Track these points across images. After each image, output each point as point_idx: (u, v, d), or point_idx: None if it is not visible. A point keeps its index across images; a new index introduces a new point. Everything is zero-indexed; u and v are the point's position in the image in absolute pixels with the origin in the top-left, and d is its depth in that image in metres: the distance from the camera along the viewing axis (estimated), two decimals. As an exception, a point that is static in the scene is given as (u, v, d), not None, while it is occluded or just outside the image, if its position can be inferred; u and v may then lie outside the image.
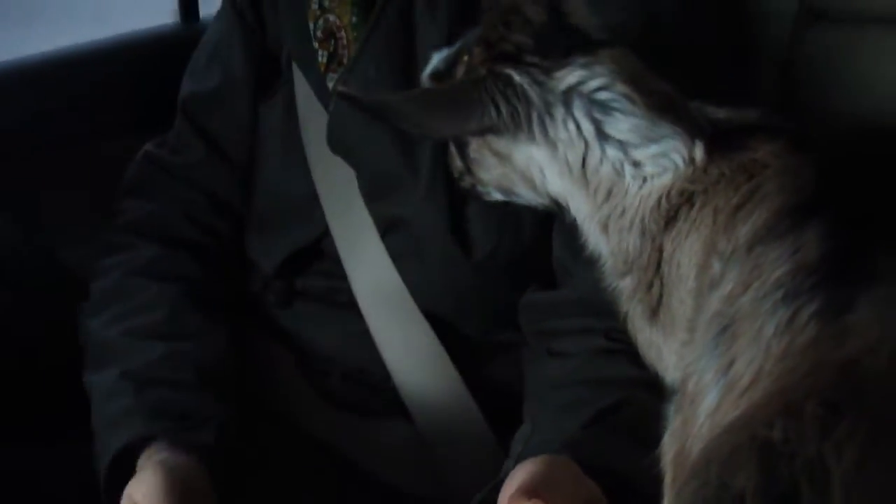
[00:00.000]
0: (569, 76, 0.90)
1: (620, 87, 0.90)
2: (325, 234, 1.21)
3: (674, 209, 0.91)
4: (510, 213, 1.12)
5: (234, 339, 1.20)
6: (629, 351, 1.07)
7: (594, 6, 0.96)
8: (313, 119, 1.22)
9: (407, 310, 1.18)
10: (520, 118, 0.91)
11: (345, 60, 1.19)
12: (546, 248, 1.15)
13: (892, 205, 0.83)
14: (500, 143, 0.96)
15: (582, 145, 0.91)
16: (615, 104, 0.90)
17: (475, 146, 0.99)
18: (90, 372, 1.14)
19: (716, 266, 0.85)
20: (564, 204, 0.98)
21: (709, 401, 0.77)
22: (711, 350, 0.80)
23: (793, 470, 0.66)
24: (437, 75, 1.00)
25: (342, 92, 0.97)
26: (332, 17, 1.20)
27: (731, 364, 0.77)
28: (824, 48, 1.25)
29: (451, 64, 0.99)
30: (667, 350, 0.96)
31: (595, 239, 0.98)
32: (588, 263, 1.08)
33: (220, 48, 1.29)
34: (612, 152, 0.91)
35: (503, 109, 0.91)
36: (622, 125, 0.90)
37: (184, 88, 1.31)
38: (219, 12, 1.35)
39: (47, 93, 1.48)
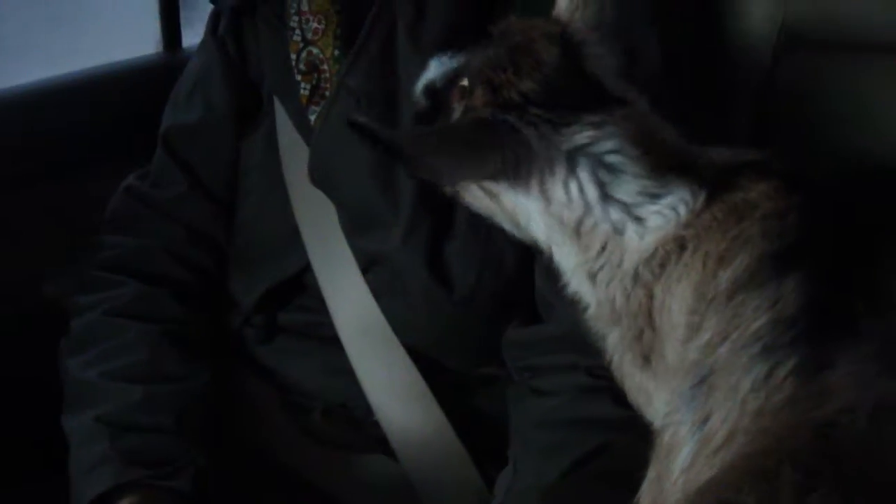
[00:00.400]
0: (577, 135, 0.86)
1: (631, 150, 0.86)
2: (307, 268, 1.20)
3: (667, 256, 0.87)
4: (492, 249, 1.12)
5: (215, 378, 1.20)
6: (612, 388, 1.06)
7: None
8: (294, 153, 1.21)
9: (389, 344, 1.18)
10: (519, 169, 0.87)
11: (327, 94, 1.18)
12: (528, 284, 1.14)
13: (874, 251, 0.81)
14: (491, 184, 0.91)
15: (581, 207, 0.87)
16: (624, 167, 0.86)
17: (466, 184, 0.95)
18: (68, 414, 1.13)
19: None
20: (547, 250, 0.94)
21: (683, 455, 0.76)
22: (688, 401, 0.78)
23: None
24: (431, 91, 0.95)
25: (354, 121, 0.93)
26: (315, 50, 1.19)
27: (706, 418, 0.76)
28: (802, 74, 1.25)
29: (448, 83, 0.94)
30: (658, 397, 0.95)
31: (580, 286, 0.94)
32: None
33: (201, 80, 1.28)
34: (615, 214, 0.87)
35: (504, 158, 0.86)
36: (630, 187, 0.86)
37: (165, 120, 1.30)
38: (201, 43, 1.34)
39: (31, 124, 1.48)
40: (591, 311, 0.94)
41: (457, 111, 0.91)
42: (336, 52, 1.18)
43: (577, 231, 0.89)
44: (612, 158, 0.86)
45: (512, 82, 0.86)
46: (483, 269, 1.13)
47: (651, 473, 0.82)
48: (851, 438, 0.68)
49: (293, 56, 1.20)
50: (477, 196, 0.95)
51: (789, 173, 0.89)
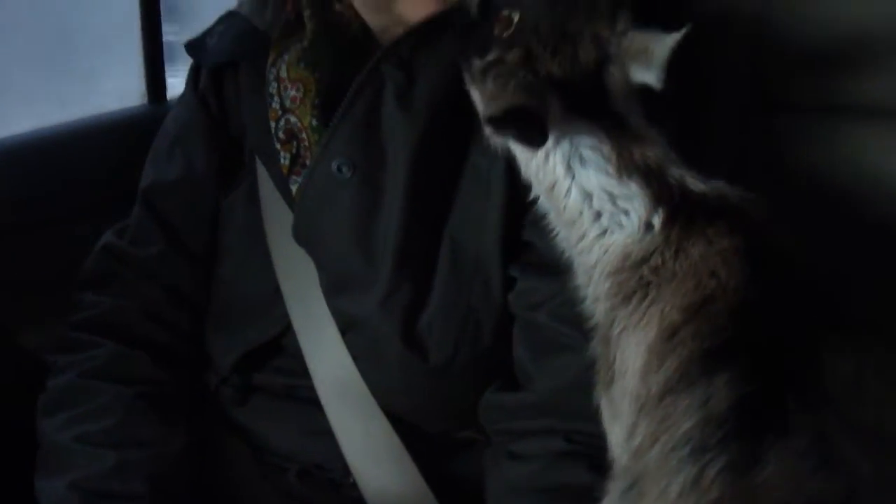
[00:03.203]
0: (570, 124, 0.94)
1: (605, 150, 0.94)
2: (286, 330, 1.20)
3: (631, 290, 0.91)
4: (471, 319, 1.12)
5: (191, 440, 1.19)
6: (589, 454, 1.06)
7: None
8: (277, 212, 1.21)
9: (367, 406, 1.17)
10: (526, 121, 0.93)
11: (307, 162, 1.17)
12: (506, 351, 1.14)
13: (812, 345, 0.80)
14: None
15: (553, 176, 0.96)
16: (593, 162, 0.94)
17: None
18: (40, 476, 1.13)
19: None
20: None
21: None
22: None
23: None
24: (486, 6, 1.00)
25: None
26: (293, 119, 1.17)
27: None
28: (775, 135, 1.24)
29: (500, 8, 0.98)
30: (612, 433, 0.94)
31: (570, 256, 1.00)
32: (548, 368, 1.08)
33: (181, 136, 1.28)
34: (576, 195, 0.95)
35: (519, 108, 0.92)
36: (593, 180, 0.94)
37: (145, 177, 1.29)
38: (181, 96, 1.33)
39: (12, 176, 1.47)
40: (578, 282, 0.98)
41: (492, 45, 0.97)
42: (314, 122, 1.16)
43: (552, 195, 0.97)
44: (586, 152, 0.95)
45: (544, 60, 0.94)
46: (460, 339, 1.12)
47: None
48: None
49: (272, 124, 1.18)
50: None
51: (756, 229, 0.90)
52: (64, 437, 1.13)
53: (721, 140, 1.24)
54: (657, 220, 0.91)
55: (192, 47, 1.28)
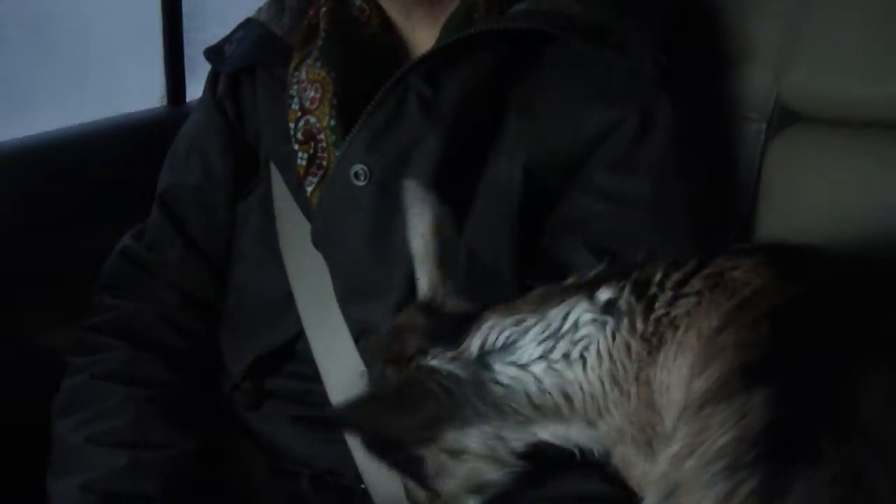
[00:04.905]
0: (472, 345, 0.92)
1: (508, 322, 0.92)
2: (298, 336, 1.20)
3: (658, 336, 0.89)
4: None
5: (204, 444, 1.19)
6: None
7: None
8: (291, 219, 1.21)
9: None
10: (458, 398, 0.91)
11: (324, 163, 1.18)
12: None
13: (847, 369, 0.79)
14: (450, 439, 0.95)
15: (518, 386, 0.92)
16: (514, 337, 0.92)
17: (430, 457, 0.96)
18: (53, 476, 1.14)
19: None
20: (540, 445, 0.96)
21: None
22: None
23: None
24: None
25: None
26: (312, 119, 1.17)
27: None
28: (797, 150, 1.24)
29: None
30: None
31: (578, 437, 0.95)
32: None
33: (199, 140, 1.29)
34: (538, 370, 0.91)
35: (441, 395, 0.91)
36: (530, 351, 0.91)
37: (162, 179, 1.30)
38: (199, 101, 1.35)
39: (33, 176, 1.48)
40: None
41: None
42: (332, 123, 1.16)
43: (532, 404, 0.92)
44: (501, 341, 0.92)
45: (405, 347, 0.94)
46: None
47: None
48: None
49: (291, 125, 1.19)
50: (451, 468, 0.97)
51: (768, 252, 0.89)
52: (76, 437, 1.14)
53: (743, 156, 1.24)
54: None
55: (211, 54, 1.30)
